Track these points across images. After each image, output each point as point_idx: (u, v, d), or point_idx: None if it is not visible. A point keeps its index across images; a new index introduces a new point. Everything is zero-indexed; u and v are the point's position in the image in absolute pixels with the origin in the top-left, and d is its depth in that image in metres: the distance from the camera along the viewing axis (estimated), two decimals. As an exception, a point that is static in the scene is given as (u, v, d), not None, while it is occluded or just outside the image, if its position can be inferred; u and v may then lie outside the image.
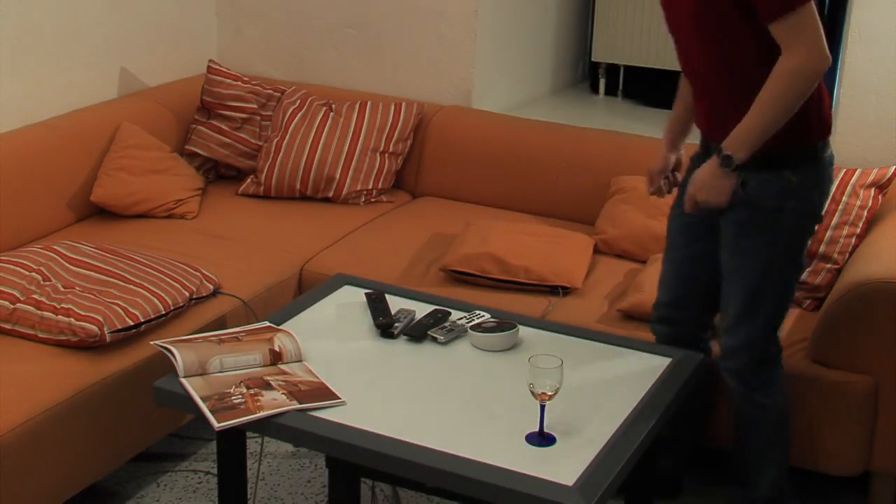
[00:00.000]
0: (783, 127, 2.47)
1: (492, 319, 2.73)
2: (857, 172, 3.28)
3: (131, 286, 2.93)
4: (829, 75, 4.24)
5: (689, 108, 2.76)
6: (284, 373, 2.49)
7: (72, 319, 2.75)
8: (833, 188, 2.94)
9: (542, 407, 2.26)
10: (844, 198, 3.24)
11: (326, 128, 3.92)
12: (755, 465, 2.79)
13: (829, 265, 3.18)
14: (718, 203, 2.55)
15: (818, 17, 2.40)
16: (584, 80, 4.93)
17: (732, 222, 2.62)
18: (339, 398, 2.39)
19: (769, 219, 2.57)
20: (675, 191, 2.85)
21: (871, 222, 3.25)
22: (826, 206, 2.68)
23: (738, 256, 2.63)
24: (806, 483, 3.07)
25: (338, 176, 3.86)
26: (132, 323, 2.82)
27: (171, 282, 3.00)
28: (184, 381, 2.43)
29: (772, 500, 2.81)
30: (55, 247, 3.06)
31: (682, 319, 2.83)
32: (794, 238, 2.63)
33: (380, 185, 3.92)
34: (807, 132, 2.54)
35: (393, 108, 3.97)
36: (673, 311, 2.84)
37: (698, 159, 2.71)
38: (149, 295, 2.91)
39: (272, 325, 2.69)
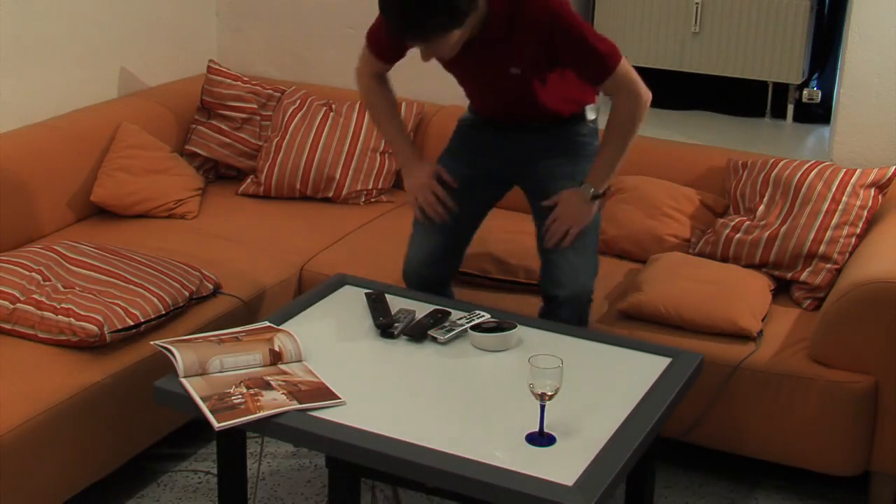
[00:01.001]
0: (576, 97, 2.92)
1: (492, 319, 2.73)
2: (857, 172, 3.28)
3: (131, 286, 2.93)
4: (829, 75, 4.26)
5: (402, 122, 3.17)
6: (284, 373, 2.49)
7: (72, 319, 2.75)
8: None
9: (542, 407, 2.25)
10: (844, 198, 3.23)
11: (326, 128, 3.92)
12: None
13: (828, 265, 3.18)
14: (588, 223, 2.88)
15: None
16: (584, 80, 4.93)
17: (559, 157, 2.94)
18: (339, 398, 2.39)
19: (587, 147, 2.96)
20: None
21: (871, 222, 3.25)
22: None
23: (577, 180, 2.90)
24: (806, 483, 3.07)
25: (338, 176, 3.86)
26: (132, 323, 2.82)
27: (171, 282, 3.00)
28: (184, 381, 2.43)
29: None
30: (55, 247, 3.06)
31: (448, 267, 3.07)
32: None
33: (380, 185, 3.92)
34: (590, 96, 2.98)
35: (393, 108, 3.97)
36: (443, 259, 3.02)
37: (488, 130, 2.99)
38: (149, 295, 2.91)
39: (272, 325, 2.69)
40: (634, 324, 3.04)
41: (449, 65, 2.91)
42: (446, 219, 2.96)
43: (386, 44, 2.89)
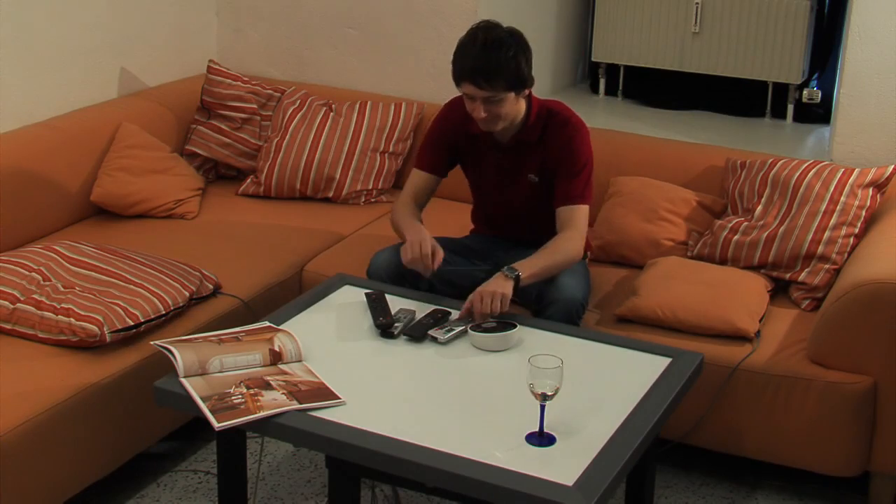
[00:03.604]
0: None
1: (492, 319, 2.73)
2: (855, 172, 3.27)
3: (131, 286, 2.93)
4: (829, 75, 4.26)
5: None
6: (284, 373, 2.49)
7: (72, 319, 2.75)
8: None
9: (542, 407, 2.26)
10: (843, 198, 3.23)
11: (326, 128, 3.92)
12: None
13: (827, 265, 3.18)
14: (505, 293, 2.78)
15: None
16: (584, 80, 4.93)
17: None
18: (339, 398, 2.39)
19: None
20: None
21: (870, 222, 3.25)
22: None
23: None
24: (806, 483, 3.07)
25: (338, 176, 3.86)
26: (132, 323, 2.82)
27: (171, 282, 3.00)
28: (184, 381, 2.43)
29: None
30: (55, 247, 3.06)
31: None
32: None
33: (380, 186, 3.92)
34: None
35: (393, 108, 3.98)
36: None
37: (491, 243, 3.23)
38: (149, 295, 2.91)
39: (272, 325, 2.69)
40: (632, 327, 3.04)
41: (476, 166, 3.14)
42: (429, 273, 2.96)
43: (432, 151, 3.13)
